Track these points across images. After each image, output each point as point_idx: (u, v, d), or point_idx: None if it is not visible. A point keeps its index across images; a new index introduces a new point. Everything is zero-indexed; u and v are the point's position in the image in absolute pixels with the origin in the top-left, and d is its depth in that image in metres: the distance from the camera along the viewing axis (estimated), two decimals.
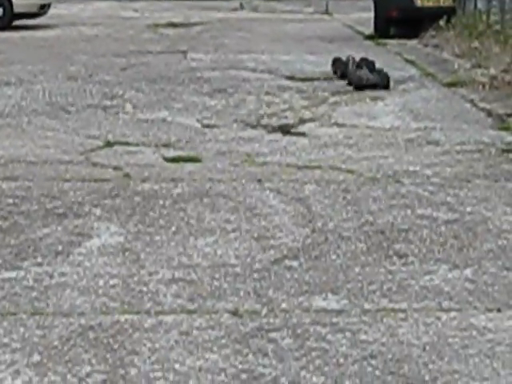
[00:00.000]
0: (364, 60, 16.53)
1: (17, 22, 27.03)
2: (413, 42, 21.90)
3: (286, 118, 14.22)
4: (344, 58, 17.37)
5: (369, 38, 23.67)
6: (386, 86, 14.65)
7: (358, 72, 14.88)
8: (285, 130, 13.50)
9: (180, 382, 6.25)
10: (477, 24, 20.69)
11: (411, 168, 11.25)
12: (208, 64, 19.24)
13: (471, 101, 15.19)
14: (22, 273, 8.13)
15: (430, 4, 23.61)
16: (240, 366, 6.32)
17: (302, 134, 13.18)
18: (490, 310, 7.33)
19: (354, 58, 16.67)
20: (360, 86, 14.03)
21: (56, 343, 6.80)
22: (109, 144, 12.64)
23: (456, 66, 18.26)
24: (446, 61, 18.97)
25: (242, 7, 35.97)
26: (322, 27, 26.06)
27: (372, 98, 15.58)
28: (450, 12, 23.23)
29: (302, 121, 13.98)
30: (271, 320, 7.11)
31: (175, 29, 26.03)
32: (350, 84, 15.38)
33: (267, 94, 15.95)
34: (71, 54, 20.72)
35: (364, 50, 21.54)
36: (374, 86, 12.57)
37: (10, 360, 6.58)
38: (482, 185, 10.57)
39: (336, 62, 17.50)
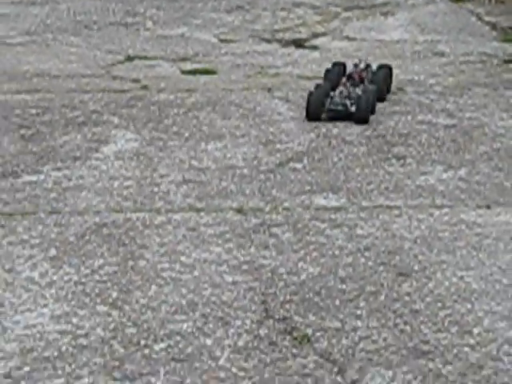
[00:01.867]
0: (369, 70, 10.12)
1: None
2: None
3: (299, 32, 14.20)
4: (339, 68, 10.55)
5: None
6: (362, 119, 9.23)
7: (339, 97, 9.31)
8: (298, 43, 13.51)
9: (185, 272, 6.47)
10: None
11: (415, 77, 11.32)
12: None
13: (477, 15, 15.12)
14: (42, 176, 8.29)
15: None
16: (242, 258, 6.54)
17: (314, 48, 13.20)
18: (480, 207, 7.49)
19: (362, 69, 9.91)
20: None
21: (71, 239, 7.02)
22: (129, 58, 12.71)
23: None
24: None
25: None
26: None
27: (382, 13, 15.55)
28: None
29: (315, 35, 13.97)
30: (273, 216, 7.30)
31: None
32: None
33: (282, 9, 15.89)
34: None
35: None
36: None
37: (28, 255, 6.81)
38: (482, 93, 10.65)
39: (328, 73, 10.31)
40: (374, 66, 9.83)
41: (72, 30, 14.70)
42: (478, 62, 12.09)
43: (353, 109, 8.94)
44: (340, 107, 8.73)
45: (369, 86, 9.27)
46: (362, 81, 9.48)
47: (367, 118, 8.77)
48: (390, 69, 10.11)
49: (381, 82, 9.74)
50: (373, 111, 9.08)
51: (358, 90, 9.16)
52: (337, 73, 10.04)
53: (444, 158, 8.59)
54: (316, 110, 8.74)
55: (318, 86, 9.42)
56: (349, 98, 8.92)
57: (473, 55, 12.41)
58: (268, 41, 13.65)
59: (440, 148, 8.84)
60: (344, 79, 9.67)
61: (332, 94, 9.23)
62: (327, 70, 10.24)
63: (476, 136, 9.12)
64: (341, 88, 9.35)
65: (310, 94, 9.10)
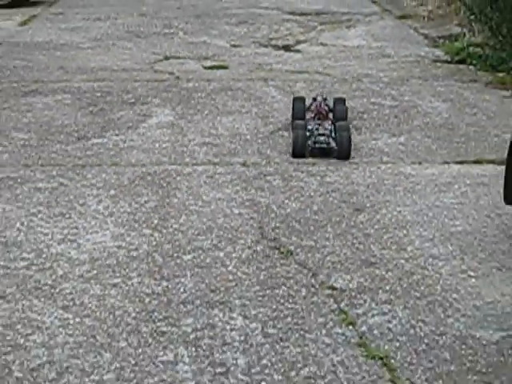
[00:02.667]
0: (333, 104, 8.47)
1: None
2: None
3: (287, 40, 14.16)
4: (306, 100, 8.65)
5: None
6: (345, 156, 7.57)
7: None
8: (286, 48, 13.49)
9: (205, 206, 6.52)
10: None
11: (369, 72, 11.32)
12: (236, 4, 19.05)
13: (414, 28, 15.11)
14: (105, 140, 8.33)
15: None
16: (245, 197, 6.61)
17: (298, 51, 13.18)
18: (414, 163, 7.52)
19: (321, 102, 8.33)
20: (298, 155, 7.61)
21: (126, 183, 7.07)
22: (166, 58, 12.69)
23: (405, 4, 18.11)
24: (399, 1, 18.79)
25: None
26: None
27: (347, 27, 15.53)
28: None
29: (298, 42, 13.94)
30: (268, 168, 7.33)
31: None
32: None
33: (275, 24, 15.85)
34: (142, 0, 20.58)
35: None
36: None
37: (95, 194, 6.86)
38: (416, 83, 10.65)
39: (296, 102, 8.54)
40: (330, 100, 8.45)
41: (126, 37, 14.67)
42: (414, 61, 12.08)
43: (333, 145, 7.55)
44: (324, 145, 7.40)
45: (342, 123, 7.76)
46: (327, 115, 8.05)
47: (349, 153, 7.46)
48: (344, 100, 8.51)
49: (345, 115, 8.22)
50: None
51: (329, 126, 7.77)
52: (302, 108, 8.34)
53: (389, 128, 8.61)
54: (302, 150, 7.44)
55: (297, 126, 7.71)
56: (329, 136, 7.52)
57: (411, 57, 12.40)
58: (265, 46, 13.64)
59: (386, 122, 8.85)
60: (311, 114, 8.11)
61: (311, 131, 7.65)
62: (293, 106, 8.48)
63: (412, 113, 9.14)
64: (315, 125, 7.76)
65: (296, 135, 7.56)
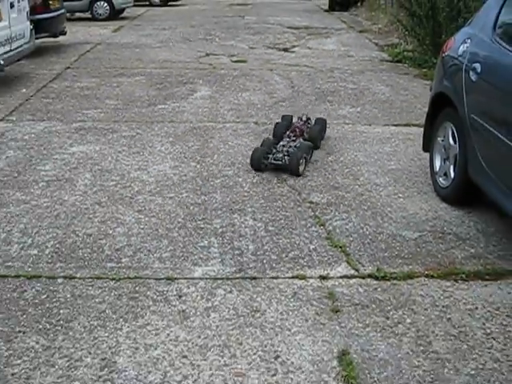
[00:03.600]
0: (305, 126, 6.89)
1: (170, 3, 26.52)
2: (345, 13, 21.29)
3: (285, 44, 14.05)
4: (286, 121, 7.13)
5: (326, 11, 22.96)
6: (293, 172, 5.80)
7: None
8: (285, 50, 13.39)
9: (230, 148, 6.53)
10: (373, 4, 20.26)
11: (339, 66, 11.24)
12: (253, 21, 18.89)
13: (369, 39, 14.96)
14: (167, 106, 8.32)
15: None
16: (257, 143, 6.51)
17: (292, 52, 13.09)
18: (365, 125, 7.49)
19: (304, 121, 6.99)
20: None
21: (179, 133, 7.05)
22: (207, 54, 12.60)
23: (363, 23, 17.96)
24: (360, 21, 18.59)
25: None
26: (305, 6, 25.30)
27: (325, 37, 15.46)
28: None
29: (293, 46, 13.83)
30: (270, 126, 7.23)
31: (239, 6, 25.48)
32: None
33: (278, 34, 15.74)
34: (192, 16, 20.36)
35: (321, 16, 21.15)
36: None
37: (159, 140, 6.87)
38: (369, 74, 10.57)
39: (276, 126, 6.87)
40: (313, 120, 7.07)
41: (181, 41, 14.59)
42: (368, 60, 11.99)
43: (288, 163, 5.78)
44: (279, 162, 5.76)
45: (304, 143, 6.09)
46: (302, 133, 6.46)
47: (297, 171, 5.67)
48: (324, 121, 7.02)
49: (317, 135, 6.51)
50: (306, 162, 5.91)
51: (296, 144, 6.09)
52: (285, 126, 6.72)
53: (350, 102, 8.59)
54: (258, 164, 5.79)
55: (263, 142, 6.17)
56: (286, 153, 5.84)
57: (366, 57, 12.31)
58: (271, 48, 13.55)
59: (348, 98, 8.82)
60: (288, 132, 6.51)
61: (275, 148, 6.01)
62: (277, 123, 6.85)
63: (365, 93, 9.09)
64: (284, 142, 6.19)
65: (255, 150, 5.95)
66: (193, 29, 17.12)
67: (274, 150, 5.93)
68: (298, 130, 6.53)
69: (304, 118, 6.95)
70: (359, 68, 11.13)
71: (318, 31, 16.60)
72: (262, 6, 25.27)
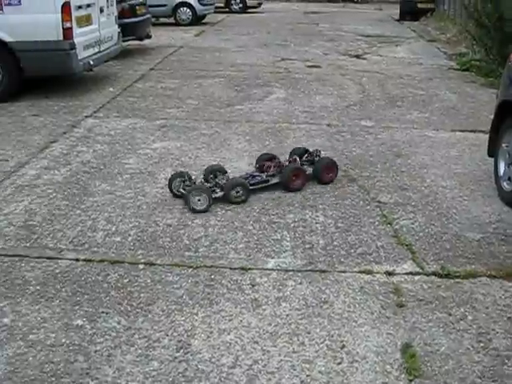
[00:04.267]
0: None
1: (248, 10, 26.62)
2: (415, 23, 20.99)
3: (357, 51, 13.96)
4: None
5: (396, 20, 22.69)
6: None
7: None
8: (357, 56, 13.30)
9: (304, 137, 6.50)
10: (442, 14, 19.97)
11: (408, 73, 11.11)
12: (327, 29, 18.83)
13: (438, 48, 14.71)
14: (244, 106, 8.38)
15: (424, 5, 22.57)
16: (328, 144, 6.55)
17: (364, 58, 12.99)
18: (433, 130, 7.39)
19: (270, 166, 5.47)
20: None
21: (255, 133, 7.10)
22: (283, 59, 12.62)
23: (433, 33, 17.68)
24: (429, 31, 18.30)
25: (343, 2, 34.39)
26: (377, 16, 25.08)
27: (395, 45, 15.28)
28: (432, 9, 22.28)
29: (365, 53, 13.73)
30: (342, 128, 7.32)
31: (314, 14, 25.38)
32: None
33: (351, 42, 15.64)
34: (269, 23, 20.40)
35: (392, 25, 20.91)
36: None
37: (237, 138, 6.93)
38: (437, 81, 10.44)
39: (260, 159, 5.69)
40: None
41: (258, 46, 14.66)
42: (437, 68, 11.82)
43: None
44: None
45: (235, 180, 5.13)
46: (264, 171, 5.38)
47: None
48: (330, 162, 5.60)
49: (287, 176, 5.24)
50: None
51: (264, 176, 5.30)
52: (268, 157, 5.64)
53: (418, 107, 8.49)
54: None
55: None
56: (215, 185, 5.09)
57: (435, 65, 12.14)
58: (344, 54, 13.50)
59: (417, 104, 8.73)
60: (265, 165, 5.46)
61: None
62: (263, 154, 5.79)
63: (433, 100, 8.97)
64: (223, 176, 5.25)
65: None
66: (269, 35, 17.17)
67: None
68: (268, 167, 5.41)
69: (296, 158, 5.66)
70: (428, 75, 10.97)
71: (389, 39, 16.43)
72: (335, 15, 25.18)
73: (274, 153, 5.87)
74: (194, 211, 4.77)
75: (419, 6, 22.78)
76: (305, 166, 5.51)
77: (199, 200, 4.81)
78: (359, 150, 6.46)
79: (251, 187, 5.10)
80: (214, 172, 5.28)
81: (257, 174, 5.34)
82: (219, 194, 4.95)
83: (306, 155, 5.75)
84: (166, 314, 3.42)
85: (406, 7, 23.23)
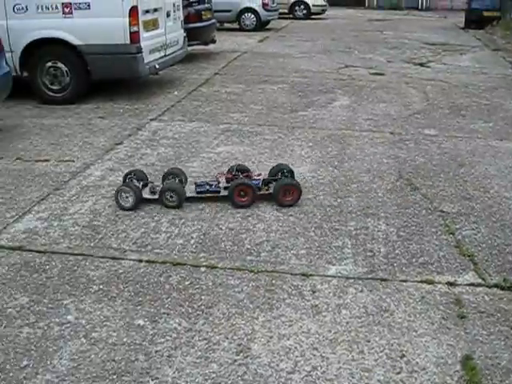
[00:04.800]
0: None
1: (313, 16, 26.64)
2: (481, 31, 20.62)
3: (421, 59, 13.80)
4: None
5: (461, 28, 22.40)
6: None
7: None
8: (421, 64, 13.13)
9: (366, 156, 6.48)
10: (509, 23, 19.65)
11: (473, 82, 10.92)
12: (391, 36, 18.72)
13: (503, 57, 14.44)
14: (307, 113, 8.38)
15: (489, 14, 22.21)
16: (391, 152, 6.54)
17: (428, 67, 12.81)
18: (497, 139, 7.25)
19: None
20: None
21: (318, 139, 7.10)
22: (346, 66, 12.57)
23: (498, 42, 17.38)
24: (495, 39, 17.99)
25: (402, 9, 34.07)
26: (441, 24, 24.76)
27: (460, 54, 15.06)
28: (498, 18, 21.91)
29: (429, 61, 13.55)
30: (406, 136, 7.24)
31: (378, 21, 25.24)
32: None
33: (415, 49, 15.48)
34: (333, 30, 20.37)
35: (457, 34, 20.62)
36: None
37: (299, 144, 6.93)
38: (503, 91, 10.25)
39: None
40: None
41: (321, 52, 14.66)
42: (502, 77, 11.62)
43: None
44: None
45: (171, 184, 5.06)
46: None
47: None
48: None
49: (232, 189, 5.01)
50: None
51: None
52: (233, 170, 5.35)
53: (483, 117, 8.33)
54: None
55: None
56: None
57: (500, 74, 11.92)
58: (407, 62, 13.37)
59: (481, 113, 8.57)
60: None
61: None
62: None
63: (498, 109, 8.81)
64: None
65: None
66: (333, 41, 17.14)
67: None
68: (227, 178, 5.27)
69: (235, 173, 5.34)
70: (493, 85, 10.77)
71: (454, 48, 16.21)
72: (400, 22, 24.98)
73: (334, 160, 5.89)
74: (122, 208, 4.88)
75: (485, 14, 22.42)
76: (270, 185, 5.15)
77: (127, 197, 4.89)
78: (422, 159, 6.37)
79: (198, 195, 5.05)
80: (173, 175, 5.26)
81: (213, 182, 5.16)
82: (155, 196, 4.99)
83: (278, 174, 5.30)
84: (227, 317, 3.44)
85: (471, 15, 22.92)
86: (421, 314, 3.51)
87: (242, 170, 5.34)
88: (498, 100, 9.45)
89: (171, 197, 4.93)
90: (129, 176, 5.20)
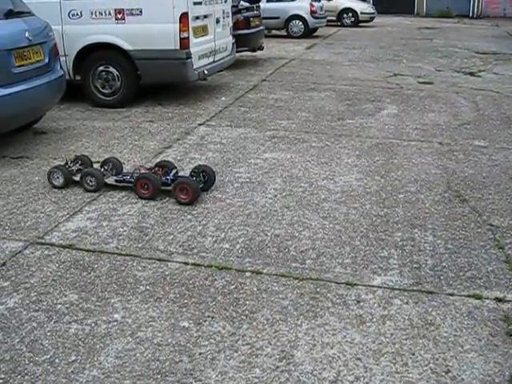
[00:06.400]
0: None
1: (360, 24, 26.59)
2: None
3: (472, 69, 13.62)
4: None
5: None
6: None
7: None
8: (471, 74, 12.97)
9: (414, 166, 6.41)
10: None
11: None
12: (441, 44, 18.54)
13: None
14: (354, 121, 8.37)
15: None
16: (439, 163, 6.45)
17: (479, 76, 12.64)
18: None
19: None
20: None
21: (365, 148, 7.03)
22: (395, 75, 12.51)
23: None
24: None
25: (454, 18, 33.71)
26: (493, 32, 24.44)
27: None
28: None
29: (479, 71, 13.36)
30: (455, 147, 7.16)
31: (427, 29, 25.05)
32: None
33: (465, 58, 15.29)
34: (381, 38, 20.27)
35: (509, 42, 20.31)
36: None
37: (345, 152, 6.89)
38: None
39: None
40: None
41: (370, 60, 14.60)
42: None
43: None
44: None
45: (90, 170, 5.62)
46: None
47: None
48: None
49: (135, 181, 5.39)
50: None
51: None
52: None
53: None
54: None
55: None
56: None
57: None
58: (457, 71, 13.21)
59: None
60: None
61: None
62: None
63: None
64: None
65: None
66: (381, 49, 17.06)
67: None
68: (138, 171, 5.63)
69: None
70: None
71: (506, 57, 15.98)
72: (449, 31, 24.72)
73: (381, 170, 5.88)
74: (54, 186, 5.54)
75: None
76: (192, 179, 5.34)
77: (58, 178, 5.56)
78: (471, 171, 6.28)
79: (116, 183, 5.50)
80: (108, 163, 5.75)
81: (134, 174, 5.52)
82: (77, 178, 5.54)
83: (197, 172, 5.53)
84: (271, 323, 3.44)
85: None
86: (467, 329, 3.45)
87: (163, 166, 5.58)
88: None
89: (90, 181, 5.45)
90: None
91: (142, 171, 5.51)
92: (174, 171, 5.50)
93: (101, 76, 8.82)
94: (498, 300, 3.77)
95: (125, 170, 5.81)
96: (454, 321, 3.53)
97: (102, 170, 5.66)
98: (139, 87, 8.93)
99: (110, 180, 5.53)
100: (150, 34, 8.46)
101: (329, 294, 3.77)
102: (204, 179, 5.47)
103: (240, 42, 12.02)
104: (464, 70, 13.56)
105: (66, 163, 5.74)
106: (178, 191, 5.18)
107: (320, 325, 3.45)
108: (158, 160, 5.97)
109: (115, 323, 3.42)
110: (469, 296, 3.81)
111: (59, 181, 5.54)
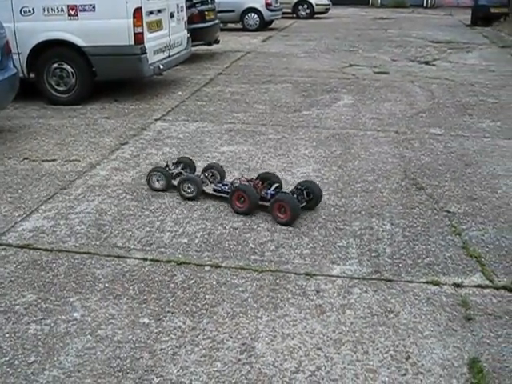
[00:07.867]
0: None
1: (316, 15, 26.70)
2: (488, 28, 20.56)
3: (427, 58, 13.77)
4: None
5: (468, 26, 22.36)
6: None
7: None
8: (426, 63, 13.12)
9: (370, 155, 6.46)
10: None
11: (480, 80, 10.91)
12: (396, 34, 18.69)
13: (510, 54, 14.44)
14: (311, 112, 8.38)
15: (497, 10, 22.17)
16: (396, 152, 6.50)
17: (433, 65, 12.80)
18: (505, 139, 7.23)
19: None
20: None
21: (322, 139, 7.08)
22: (350, 65, 12.58)
23: (506, 38, 17.34)
24: (502, 36, 17.94)
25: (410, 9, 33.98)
26: (447, 21, 24.71)
27: (466, 51, 15.05)
28: (505, 14, 21.80)
29: (434, 59, 13.53)
30: (411, 135, 7.21)
31: (382, 20, 25.22)
32: None
33: (420, 47, 15.46)
34: (337, 29, 20.35)
35: (463, 31, 20.58)
36: None
37: (303, 144, 6.91)
38: (510, 88, 10.25)
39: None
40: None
41: (325, 51, 14.67)
42: (510, 75, 11.58)
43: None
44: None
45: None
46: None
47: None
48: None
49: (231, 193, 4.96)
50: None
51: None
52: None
53: (490, 116, 8.31)
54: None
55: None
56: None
57: (508, 72, 11.90)
58: (412, 61, 13.36)
59: (488, 112, 8.55)
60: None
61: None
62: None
63: (505, 108, 8.81)
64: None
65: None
66: (337, 40, 17.14)
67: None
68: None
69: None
70: (500, 83, 10.76)
71: (460, 46, 16.21)
72: (404, 21, 24.94)
73: (338, 160, 5.92)
74: (153, 189, 5.32)
75: (492, 10, 22.36)
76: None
77: (158, 181, 5.29)
78: (428, 159, 6.36)
79: (213, 192, 5.15)
80: (209, 170, 5.43)
81: (234, 184, 5.10)
82: (175, 182, 5.27)
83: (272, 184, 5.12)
84: (231, 317, 3.43)
85: (477, 12, 22.89)
86: (426, 315, 3.48)
87: (266, 178, 5.17)
88: (506, 99, 9.45)
89: (189, 188, 5.15)
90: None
91: (243, 182, 5.04)
92: (275, 185, 5.05)
93: (55, 73, 8.68)
94: (456, 285, 3.81)
95: (227, 179, 5.44)
96: (413, 307, 3.56)
97: (202, 176, 5.32)
98: (94, 84, 8.82)
99: (208, 189, 5.18)
100: (103, 30, 8.35)
101: (288, 285, 3.77)
102: (308, 197, 4.91)
103: (195, 35, 11.96)
104: (419, 59, 13.70)
105: (167, 165, 5.44)
106: (275, 209, 4.68)
107: (280, 316, 3.45)
108: (260, 172, 5.50)
109: (75, 322, 3.37)
110: (427, 282, 3.84)
111: (160, 183, 5.29)
